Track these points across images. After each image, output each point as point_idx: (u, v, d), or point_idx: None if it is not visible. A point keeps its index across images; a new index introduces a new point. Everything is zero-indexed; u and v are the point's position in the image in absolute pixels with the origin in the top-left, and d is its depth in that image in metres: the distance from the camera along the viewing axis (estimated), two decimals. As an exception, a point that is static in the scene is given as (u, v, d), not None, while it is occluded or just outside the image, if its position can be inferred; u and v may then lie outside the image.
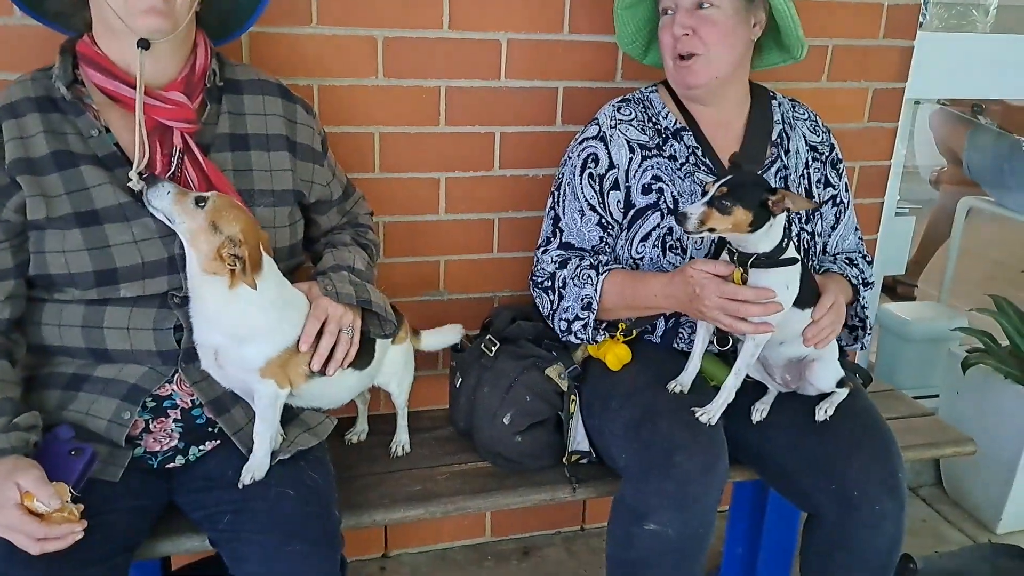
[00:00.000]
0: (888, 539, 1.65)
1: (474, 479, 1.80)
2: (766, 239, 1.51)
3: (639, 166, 1.80)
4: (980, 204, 3.80)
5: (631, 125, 1.83)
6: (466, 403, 1.88)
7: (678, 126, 1.84)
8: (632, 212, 1.79)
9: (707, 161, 1.81)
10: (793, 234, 1.79)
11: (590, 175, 1.81)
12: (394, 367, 1.74)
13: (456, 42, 1.98)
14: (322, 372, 1.50)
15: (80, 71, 1.45)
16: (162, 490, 1.50)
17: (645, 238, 1.78)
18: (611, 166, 1.80)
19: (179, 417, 1.49)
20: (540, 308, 1.86)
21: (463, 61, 2.00)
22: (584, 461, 1.82)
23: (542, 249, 1.85)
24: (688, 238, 1.75)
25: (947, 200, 4.13)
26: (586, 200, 1.80)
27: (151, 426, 1.47)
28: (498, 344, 1.88)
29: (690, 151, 1.82)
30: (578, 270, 1.77)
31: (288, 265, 1.57)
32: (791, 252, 1.55)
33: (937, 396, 2.86)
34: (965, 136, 3.83)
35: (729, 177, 1.49)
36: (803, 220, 1.84)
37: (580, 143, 1.84)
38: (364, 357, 1.58)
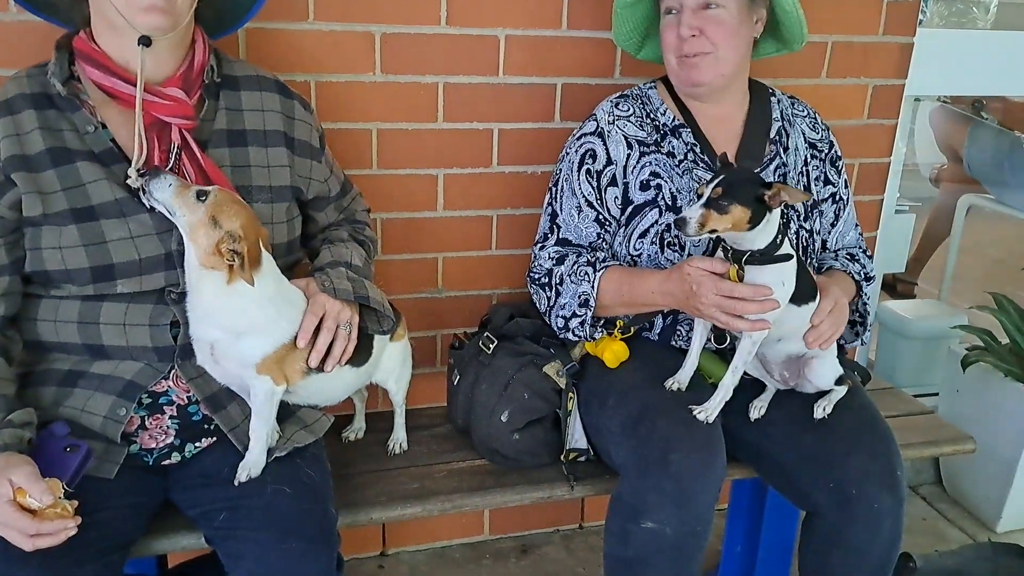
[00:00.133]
0: (887, 537, 1.64)
1: (472, 477, 1.80)
2: (762, 235, 1.51)
3: (637, 162, 1.79)
4: (980, 202, 3.79)
5: (629, 121, 1.82)
6: (464, 401, 1.88)
7: (676, 123, 1.83)
8: (630, 209, 1.78)
9: (705, 158, 1.80)
10: (791, 232, 1.78)
11: (588, 171, 1.80)
12: (392, 364, 1.74)
13: (454, 38, 1.97)
14: (320, 369, 1.49)
15: (76, 67, 1.45)
16: (158, 487, 1.49)
17: (643, 235, 1.77)
18: (609, 162, 1.79)
19: (175, 414, 1.49)
20: (537, 305, 1.85)
21: (461, 57, 1.99)
22: (582, 459, 1.82)
23: (539, 245, 1.84)
24: (686, 235, 1.75)
25: (947, 198, 4.12)
26: (584, 196, 1.80)
27: (147, 423, 1.47)
28: (496, 341, 1.87)
29: (688, 148, 1.81)
30: (575, 267, 1.76)
31: (285, 262, 1.57)
32: (786, 248, 1.55)
33: (937, 394, 2.85)
34: (965, 133, 3.83)
35: (722, 176, 1.48)
36: (802, 218, 1.83)
37: (578, 139, 1.84)
38: (362, 354, 1.57)
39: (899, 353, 3.05)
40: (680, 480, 1.53)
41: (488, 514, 2.49)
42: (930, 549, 2.34)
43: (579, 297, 1.74)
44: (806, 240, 1.83)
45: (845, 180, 1.94)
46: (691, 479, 1.54)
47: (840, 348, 1.77)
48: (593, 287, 1.73)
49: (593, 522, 2.58)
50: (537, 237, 1.87)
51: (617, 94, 1.88)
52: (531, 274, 1.86)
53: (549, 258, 1.81)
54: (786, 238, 1.55)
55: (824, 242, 1.91)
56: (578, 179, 1.80)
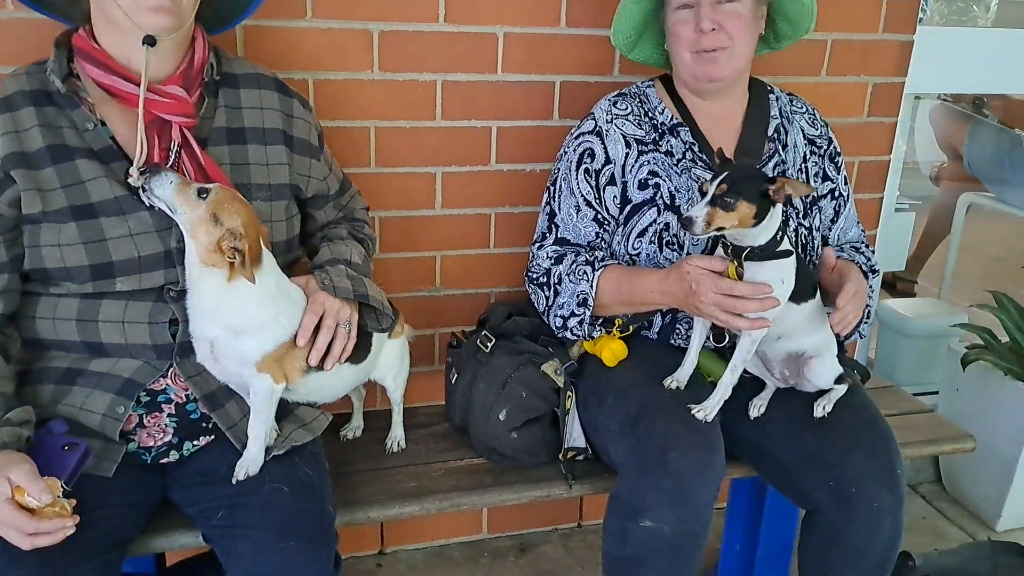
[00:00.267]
0: (886, 536, 1.64)
1: (470, 475, 1.80)
2: (765, 231, 1.51)
3: (635, 161, 1.79)
4: (980, 200, 3.79)
5: (627, 120, 1.82)
6: (462, 399, 1.87)
7: (675, 121, 1.83)
8: (628, 208, 1.78)
9: (704, 156, 1.80)
10: (790, 229, 1.78)
11: (586, 170, 1.80)
12: (390, 362, 1.74)
13: (452, 35, 1.97)
14: (319, 367, 1.49)
15: (75, 64, 1.45)
16: (156, 486, 1.49)
17: (641, 234, 1.77)
18: (607, 161, 1.79)
19: (173, 412, 1.48)
20: (536, 304, 1.85)
21: (459, 55, 1.99)
22: (580, 457, 1.81)
23: (538, 245, 1.84)
24: (684, 233, 1.74)
25: (947, 196, 4.12)
26: (582, 196, 1.79)
27: (145, 421, 1.47)
28: (494, 340, 1.87)
29: (687, 147, 1.81)
30: (574, 266, 1.76)
31: (284, 260, 1.57)
32: (785, 244, 1.54)
33: (937, 393, 2.85)
34: (966, 131, 3.83)
35: (726, 173, 1.47)
36: (801, 215, 1.83)
37: (576, 138, 1.84)
38: (360, 351, 1.57)
39: (899, 351, 3.05)
40: (679, 479, 1.53)
41: (486, 513, 2.49)
42: (930, 548, 2.33)
43: (578, 296, 1.74)
44: (805, 237, 1.83)
45: (845, 177, 1.94)
46: (690, 478, 1.54)
47: (840, 346, 1.76)
48: (592, 286, 1.72)
49: (592, 521, 2.58)
50: (535, 236, 1.87)
51: (615, 92, 1.88)
52: (529, 274, 1.86)
53: (547, 257, 1.81)
54: (785, 235, 1.55)
55: (825, 239, 1.91)
56: (576, 178, 1.80)
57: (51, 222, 1.39)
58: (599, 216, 1.80)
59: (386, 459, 1.84)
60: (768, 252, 1.52)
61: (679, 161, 1.79)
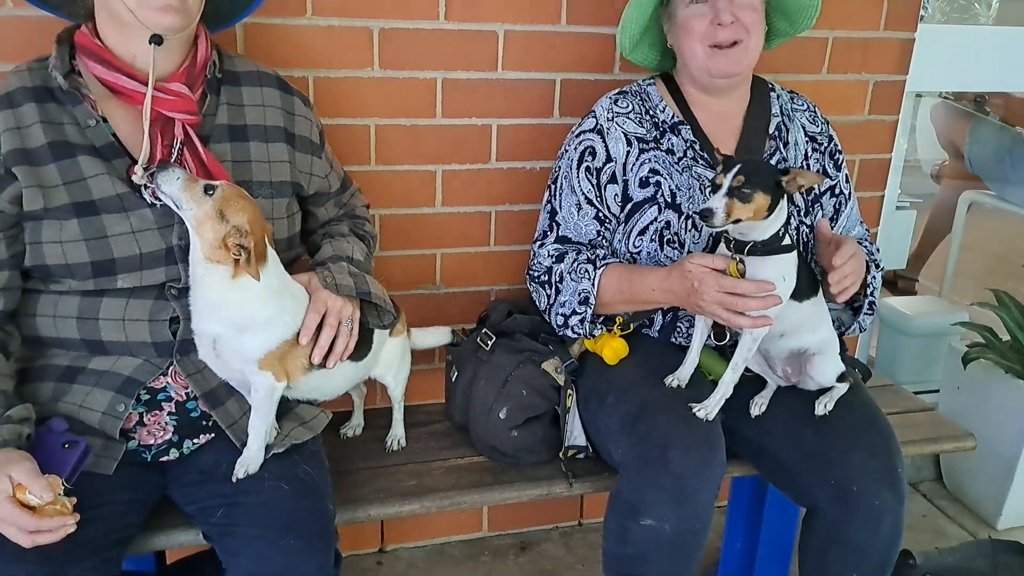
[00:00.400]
0: (887, 535, 1.64)
1: (470, 474, 1.80)
2: (773, 224, 1.51)
3: (636, 159, 1.78)
4: (981, 198, 3.79)
5: (628, 118, 1.81)
6: (462, 397, 1.87)
7: (676, 120, 1.83)
8: (629, 206, 1.78)
9: (705, 155, 1.80)
10: (792, 228, 1.77)
11: (587, 168, 1.79)
12: (391, 359, 1.74)
13: (453, 33, 1.97)
14: (322, 365, 1.49)
15: (77, 61, 1.45)
16: (156, 483, 1.49)
17: (642, 232, 1.77)
18: (608, 159, 1.79)
19: (173, 410, 1.48)
20: (537, 302, 1.85)
21: (460, 53, 1.99)
22: (581, 456, 1.81)
23: (539, 243, 1.84)
24: (685, 231, 1.74)
25: (948, 194, 4.11)
26: (583, 194, 1.79)
27: (145, 419, 1.47)
28: (494, 338, 1.87)
29: (688, 145, 1.80)
30: (575, 264, 1.76)
31: (285, 257, 1.57)
32: (787, 240, 1.54)
33: (937, 391, 2.85)
34: (967, 130, 3.82)
35: (740, 165, 1.47)
36: (802, 213, 1.82)
37: (577, 136, 1.83)
38: (362, 348, 1.58)
39: (900, 350, 3.04)
40: (679, 478, 1.53)
41: (487, 511, 2.49)
42: (930, 546, 2.33)
43: (579, 295, 1.74)
44: (806, 236, 1.82)
45: (846, 175, 1.93)
46: (690, 476, 1.53)
47: (841, 344, 1.76)
48: (593, 285, 1.72)
49: (592, 519, 2.58)
50: (536, 235, 1.86)
51: (616, 90, 1.87)
52: (530, 272, 1.85)
53: (549, 256, 1.80)
54: (787, 232, 1.55)
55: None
56: (577, 176, 1.80)
57: (53, 219, 1.39)
58: (600, 214, 1.79)
59: (386, 457, 1.83)
60: (772, 247, 1.52)
61: (680, 159, 1.79)
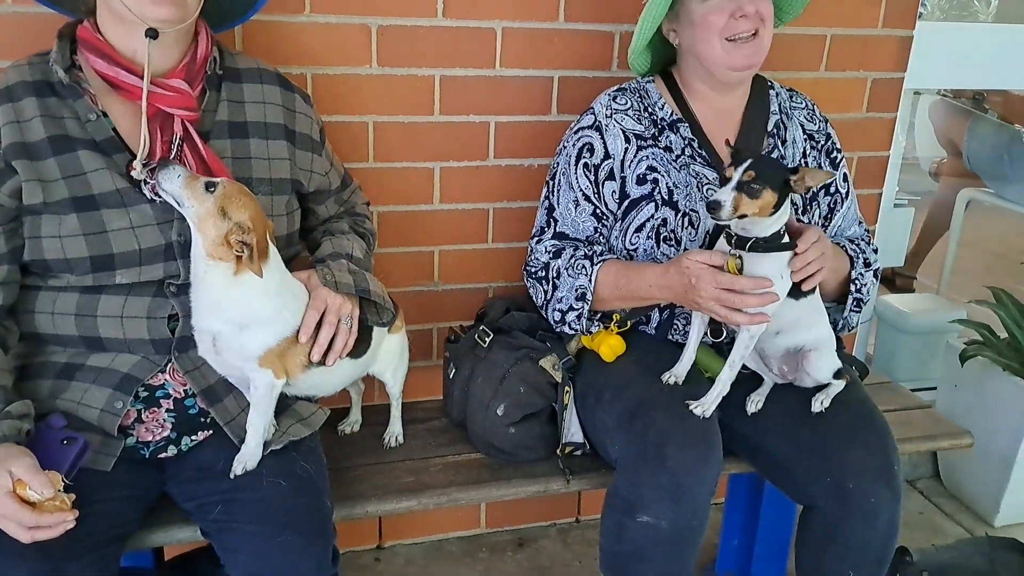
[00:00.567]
0: (883, 531, 1.64)
1: (468, 470, 1.80)
2: (776, 222, 1.51)
3: (634, 156, 1.79)
4: (980, 196, 3.79)
5: (627, 115, 1.81)
6: (460, 394, 1.88)
7: (674, 117, 1.83)
8: (627, 203, 1.78)
9: (703, 152, 1.80)
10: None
11: (585, 165, 1.79)
12: (390, 356, 1.74)
13: (451, 30, 1.97)
14: (321, 362, 1.49)
15: (78, 56, 1.45)
16: (154, 480, 1.49)
17: (639, 229, 1.77)
18: (606, 156, 1.79)
19: (171, 407, 1.49)
20: (534, 298, 1.85)
21: (458, 50, 1.99)
22: (578, 453, 1.82)
23: (536, 239, 1.84)
24: (681, 229, 1.74)
25: (947, 192, 4.11)
26: (581, 190, 1.79)
27: (143, 416, 1.47)
28: (492, 335, 1.87)
29: (686, 142, 1.81)
30: (572, 260, 1.76)
31: (285, 255, 1.56)
32: (786, 238, 1.55)
33: (935, 388, 2.85)
34: (965, 127, 3.82)
35: (751, 160, 1.47)
36: (800, 211, 1.83)
37: (576, 132, 1.83)
38: (361, 345, 1.58)
39: (897, 347, 3.05)
40: (676, 475, 1.53)
41: (484, 507, 2.49)
42: (927, 543, 2.34)
43: (576, 291, 1.74)
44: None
45: (845, 174, 1.93)
46: (687, 474, 1.54)
47: (838, 341, 1.77)
48: (590, 281, 1.72)
49: (589, 516, 2.58)
50: (534, 230, 1.87)
51: (615, 87, 1.87)
52: (527, 268, 1.86)
53: (546, 252, 1.81)
54: (785, 230, 1.56)
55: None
56: (575, 173, 1.80)
57: (52, 213, 1.39)
58: (598, 211, 1.80)
59: (384, 454, 1.84)
60: (772, 244, 1.53)
61: (678, 157, 1.79)
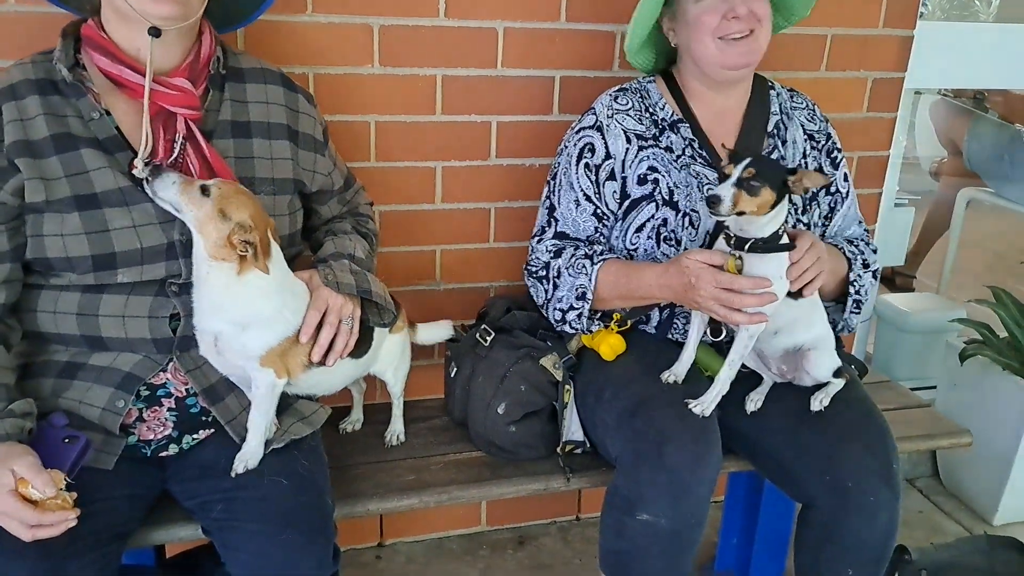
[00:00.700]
0: (882, 530, 1.65)
1: (468, 469, 1.81)
2: (772, 222, 1.52)
3: (635, 156, 1.79)
4: (980, 195, 3.79)
5: (628, 115, 1.82)
6: (461, 393, 1.88)
7: (675, 117, 1.83)
8: (627, 203, 1.78)
9: (704, 153, 1.80)
10: (789, 225, 1.78)
11: (586, 165, 1.80)
12: (391, 356, 1.75)
13: (452, 30, 1.97)
14: (322, 362, 1.50)
15: (81, 54, 1.45)
16: (155, 478, 1.50)
17: (639, 229, 1.77)
18: (608, 156, 1.79)
19: (173, 406, 1.49)
20: (535, 298, 1.86)
21: (459, 49, 1.99)
22: (578, 451, 1.82)
23: (537, 238, 1.85)
24: (682, 229, 1.75)
25: (947, 191, 4.11)
26: (582, 190, 1.80)
27: (145, 415, 1.48)
28: (493, 334, 1.88)
29: (687, 143, 1.81)
30: (573, 260, 1.76)
31: (287, 254, 1.57)
32: (784, 238, 1.55)
33: (934, 388, 2.86)
34: (966, 127, 3.82)
35: (751, 158, 1.48)
36: (800, 211, 1.83)
37: (577, 132, 1.84)
38: (362, 345, 1.58)
39: (897, 346, 3.05)
40: (675, 473, 1.54)
41: (485, 505, 2.50)
42: (926, 542, 2.34)
43: (576, 290, 1.75)
44: (803, 232, 1.83)
45: (845, 174, 1.93)
46: (686, 472, 1.54)
47: (837, 340, 1.77)
48: (591, 280, 1.73)
49: (590, 514, 2.59)
50: (535, 230, 1.87)
51: (616, 87, 1.88)
52: (528, 267, 1.86)
53: (547, 251, 1.81)
54: (785, 231, 1.56)
55: (822, 235, 1.91)
56: (576, 173, 1.80)
57: (54, 211, 1.39)
58: (598, 211, 1.80)
59: (385, 452, 1.84)
60: (771, 244, 1.53)
61: (679, 157, 1.79)
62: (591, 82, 2.08)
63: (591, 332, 1.80)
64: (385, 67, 1.96)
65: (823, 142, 1.91)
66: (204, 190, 1.34)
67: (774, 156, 1.84)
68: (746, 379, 1.75)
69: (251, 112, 1.56)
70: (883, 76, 2.36)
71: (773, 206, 1.49)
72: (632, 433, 1.61)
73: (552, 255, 1.80)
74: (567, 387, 1.80)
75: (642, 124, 1.81)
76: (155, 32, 1.38)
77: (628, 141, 1.79)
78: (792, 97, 1.93)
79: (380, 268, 1.92)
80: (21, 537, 1.22)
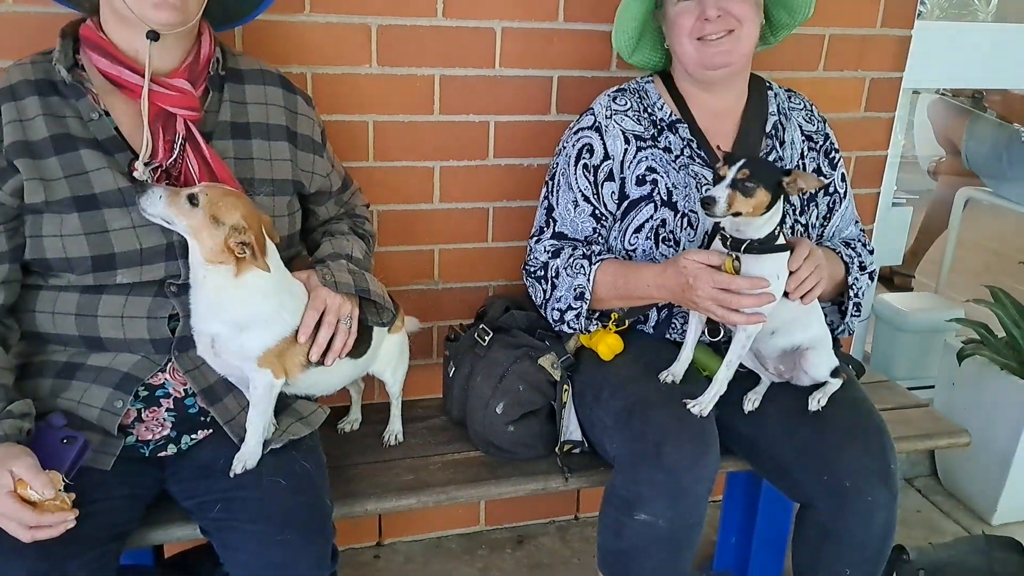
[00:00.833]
0: (880, 530, 1.65)
1: (467, 468, 1.81)
2: (768, 223, 1.52)
3: (634, 157, 1.79)
4: (978, 195, 3.79)
5: (626, 115, 1.82)
6: (459, 392, 1.88)
7: (673, 118, 1.83)
8: (626, 203, 1.79)
9: (702, 153, 1.80)
10: (787, 226, 1.78)
11: (584, 165, 1.80)
12: (389, 356, 1.75)
13: (450, 30, 1.97)
14: (320, 362, 1.50)
15: (81, 55, 1.45)
16: (154, 479, 1.50)
17: (638, 230, 1.77)
18: (606, 157, 1.79)
19: (171, 406, 1.49)
20: (533, 297, 1.86)
21: (457, 49, 1.99)
22: (577, 451, 1.82)
23: (535, 239, 1.85)
24: (680, 229, 1.75)
25: (945, 191, 4.12)
26: (580, 191, 1.80)
27: (143, 415, 1.48)
28: (491, 333, 1.88)
29: (685, 143, 1.81)
30: (571, 260, 1.76)
31: (286, 255, 1.57)
32: (782, 239, 1.55)
33: (932, 387, 2.86)
34: (964, 126, 3.82)
35: (745, 160, 1.48)
36: (797, 212, 1.83)
37: (575, 133, 1.84)
38: (361, 345, 1.58)
39: (895, 346, 3.05)
40: (673, 473, 1.54)
41: (484, 505, 2.50)
42: (925, 541, 2.34)
43: (575, 290, 1.75)
44: (800, 235, 1.83)
45: (843, 174, 1.93)
46: (684, 472, 1.54)
47: (835, 340, 1.77)
48: (589, 280, 1.73)
49: (588, 513, 2.59)
50: (533, 230, 1.87)
51: (614, 88, 1.88)
52: (527, 267, 1.86)
53: (545, 251, 1.81)
54: (782, 232, 1.56)
55: (820, 236, 1.91)
56: (575, 173, 1.80)
57: (53, 212, 1.39)
58: (597, 211, 1.80)
59: (384, 452, 1.84)
60: (767, 246, 1.53)
61: (677, 158, 1.80)
62: (589, 82, 2.09)
63: (589, 332, 1.80)
64: (383, 67, 1.96)
65: (821, 143, 1.91)
66: (192, 199, 1.34)
67: (772, 157, 1.84)
68: (744, 379, 1.75)
69: (250, 113, 1.56)
70: (881, 76, 2.36)
71: (769, 207, 1.49)
72: (630, 433, 1.61)
73: (550, 255, 1.80)
74: (565, 387, 1.80)
75: (640, 124, 1.81)
76: (154, 36, 1.38)
77: (627, 142, 1.80)
78: (790, 98, 1.93)
79: (378, 268, 1.93)
80: (20, 538, 1.22)
